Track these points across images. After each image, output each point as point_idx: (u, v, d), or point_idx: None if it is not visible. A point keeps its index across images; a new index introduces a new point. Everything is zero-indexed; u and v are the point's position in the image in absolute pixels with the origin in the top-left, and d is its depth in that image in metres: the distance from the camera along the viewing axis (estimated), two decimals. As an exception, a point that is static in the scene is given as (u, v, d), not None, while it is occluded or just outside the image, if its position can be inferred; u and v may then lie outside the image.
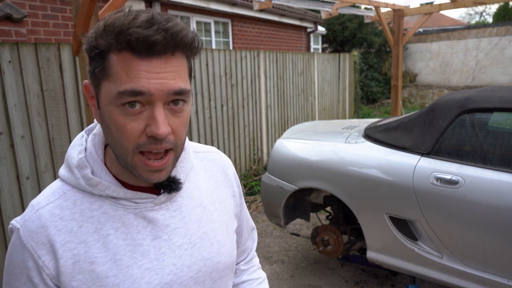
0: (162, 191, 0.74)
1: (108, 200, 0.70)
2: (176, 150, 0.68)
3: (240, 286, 0.97)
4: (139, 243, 0.70)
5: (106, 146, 0.75)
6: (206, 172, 0.85)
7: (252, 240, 1.02)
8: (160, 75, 0.61)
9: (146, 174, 0.66)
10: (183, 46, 0.63)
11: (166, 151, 0.66)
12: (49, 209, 0.68)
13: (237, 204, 0.90)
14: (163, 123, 0.62)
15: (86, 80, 0.70)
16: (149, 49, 0.60)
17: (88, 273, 0.66)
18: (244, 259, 1.00)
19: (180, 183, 0.75)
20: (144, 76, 0.60)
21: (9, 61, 2.71)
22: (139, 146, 0.64)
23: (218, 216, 0.82)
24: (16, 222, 0.69)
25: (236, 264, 0.98)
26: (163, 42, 0.60)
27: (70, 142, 3.07)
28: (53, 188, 0.72)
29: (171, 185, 0.74)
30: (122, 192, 0.70)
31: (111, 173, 0.72)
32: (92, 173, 0.70)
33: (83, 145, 0.73)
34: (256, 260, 1.04)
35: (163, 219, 0.73)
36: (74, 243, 0.67)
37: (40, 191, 2.91)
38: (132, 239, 0.70)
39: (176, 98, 0.64)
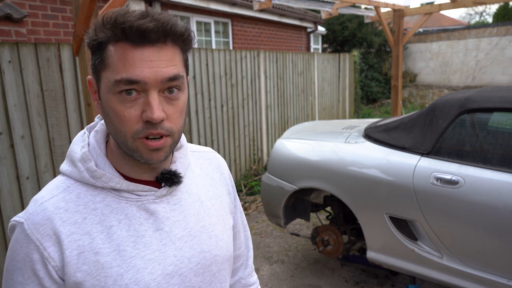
0: (163, 184, 0.76)
1: (111, 193, 0.72)
2: (173, 137, 0.71)
3: None
4: (141, 234, 0.72)
5: (107, 143, 0.78)
6: (203, 170, 0.88)
7: (248, 248, 1.02)
8: (154, 63, 0.65)
9: (146, 154, 0.69)
10: (173, 35, 0.67)
11: (163, 137, 0.69)
12: (54, 202, 0.69)
13: (232, 201, 0.93)
14: (158, 108, 0.65)
15: (89, 76, 0.74)
16: (142, 37, 0.64)
17: (93, 264, 0.67)
18: (244, 270, 1.00)
19: (180, 177, 0.77)
20: (138, 64, 0.64)
21: (9, 61, 2.71)
22: (137, 132, 0.67)
23: (215, 211, 0.84)
24: (18, 217, 0.69)
25: (237, 277, 0.99)
26: (154, 30, 0.64)
27: (70, 142, 3.07)
28: (56, 183, 0.73)
29: (172, 179, 0.76)
30: (125, 184, 0.72)
31: (114, 167, 0.74)
32: (96, 166, 0.72)
33: (85, 140, 0.75)
34: (254, 276, 1.04)
35: (164, 211, 0.75)
36: (79, 235, 0.68)
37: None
38: (135, 230, 0.71)
39: (170, 85, 0.67)
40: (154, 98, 0.65)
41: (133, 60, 0.64)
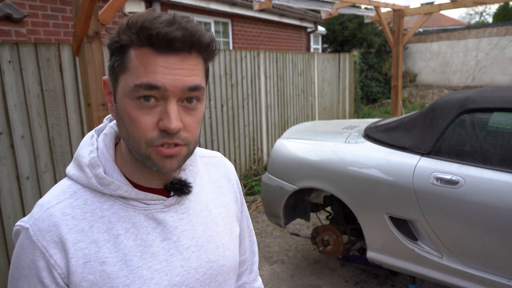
0: (172, 193, 0.74)
1: (119, 201, 0.70)
2: (189, 147, 0.69)
3: None
4: (149, 244, 0.70)
5: (116, 145, 0.76)
6: (211, 176, 0.86)
7: (253, 254, 1.00)
8: (177, 71, 0.63)
9: (159, 161, 0.66)
10: (199, 45, 0.65)
11: (178, 146, 0.67)
12: (60, 208, 0.67)
13: (239, 209, 0.91)
14: (176, 117, 0.63)
15: (105, 76, 0.72)
16: (168, 45, 0.62)
17: (99, 274, 0.66)
18: (249, 275, 0.99)
19: (190, 186, 0.76)
20: (161, 71, 0.62)
21: (9, 61, 2.71)
22: (152, 140, 0.64)
23: (222, 220, 0.83)
24: (23, 222, 0.67)
25: (241, 282, 0.98)
26: (182, 39, 0.62)
27: (70, 142, 3.07)
28: (62, 187, 0.71)
29: (182, 189, 0.74)
30: (134, 192, 0.70)
31: (122, 173, 0.72)
32: (104, 173, 0.70)
33: (94, 144, 0.73)
34: (259, 281, 1.02)
35: (172, 221, 0.73)
36: (86, 243, 0.66)
37: (40, 191, 2.91)
38: (142, 240, 0.70)
39: (190, 95, 0.65)
40: (173, 107, 0.63)
41: (156, 66, 0.62)
